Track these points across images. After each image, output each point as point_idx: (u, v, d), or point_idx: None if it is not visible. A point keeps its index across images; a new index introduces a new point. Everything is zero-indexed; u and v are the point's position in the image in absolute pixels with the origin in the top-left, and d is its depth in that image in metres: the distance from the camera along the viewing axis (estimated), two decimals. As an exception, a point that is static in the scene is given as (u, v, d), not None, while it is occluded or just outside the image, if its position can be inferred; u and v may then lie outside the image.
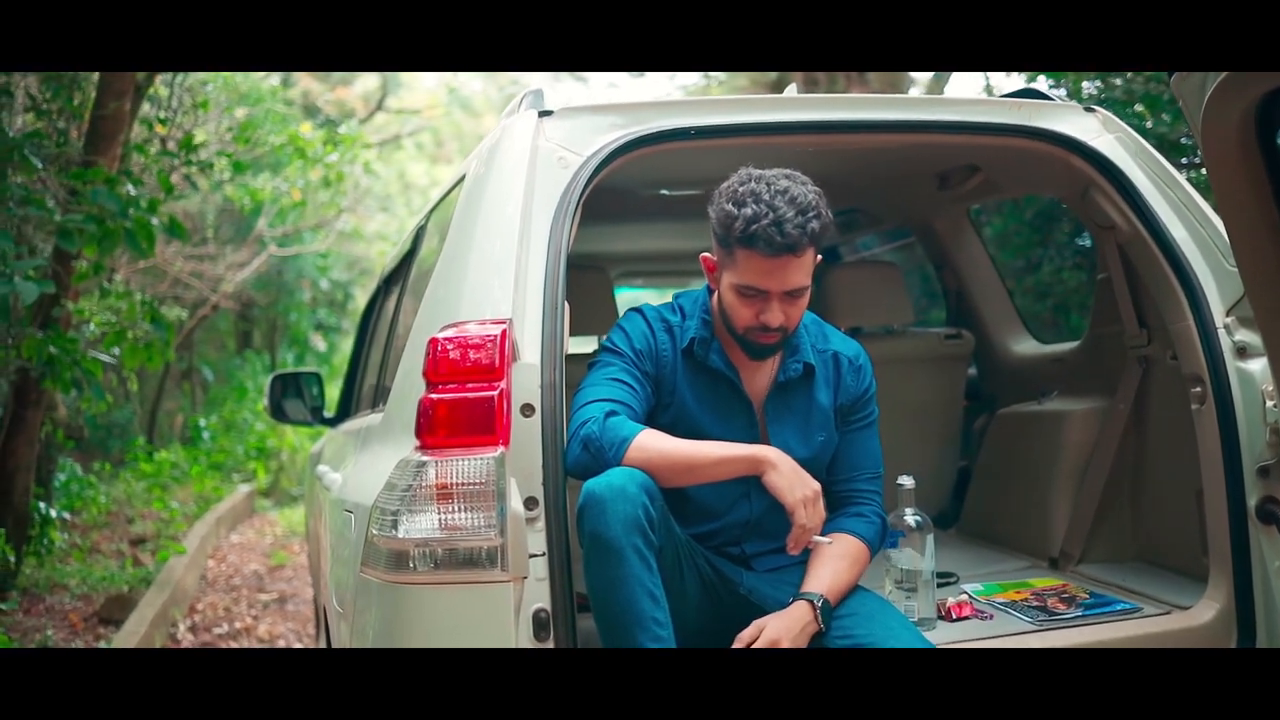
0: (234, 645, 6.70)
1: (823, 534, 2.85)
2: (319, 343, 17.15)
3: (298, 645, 6.79)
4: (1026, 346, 4.61)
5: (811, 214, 2.74)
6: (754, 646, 2.67)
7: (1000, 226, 7.64)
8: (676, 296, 3.11)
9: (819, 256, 2.86)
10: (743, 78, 14.12)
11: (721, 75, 15.04)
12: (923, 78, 12.96)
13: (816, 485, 2.70)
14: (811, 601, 2.75)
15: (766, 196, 2.73)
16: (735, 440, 2.86)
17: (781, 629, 2.70)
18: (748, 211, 2.72)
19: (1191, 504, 3.25)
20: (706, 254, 2.94)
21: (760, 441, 2.95)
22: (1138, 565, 3.67)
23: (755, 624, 2.73)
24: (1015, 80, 7.92)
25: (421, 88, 20.57)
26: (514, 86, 20.69)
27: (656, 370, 2.96)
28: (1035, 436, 4.08)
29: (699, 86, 16.04)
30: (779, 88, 13.13)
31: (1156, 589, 3.33)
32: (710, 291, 3.02)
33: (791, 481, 2.67)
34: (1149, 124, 6.27)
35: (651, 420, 2.90)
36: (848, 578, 2.85)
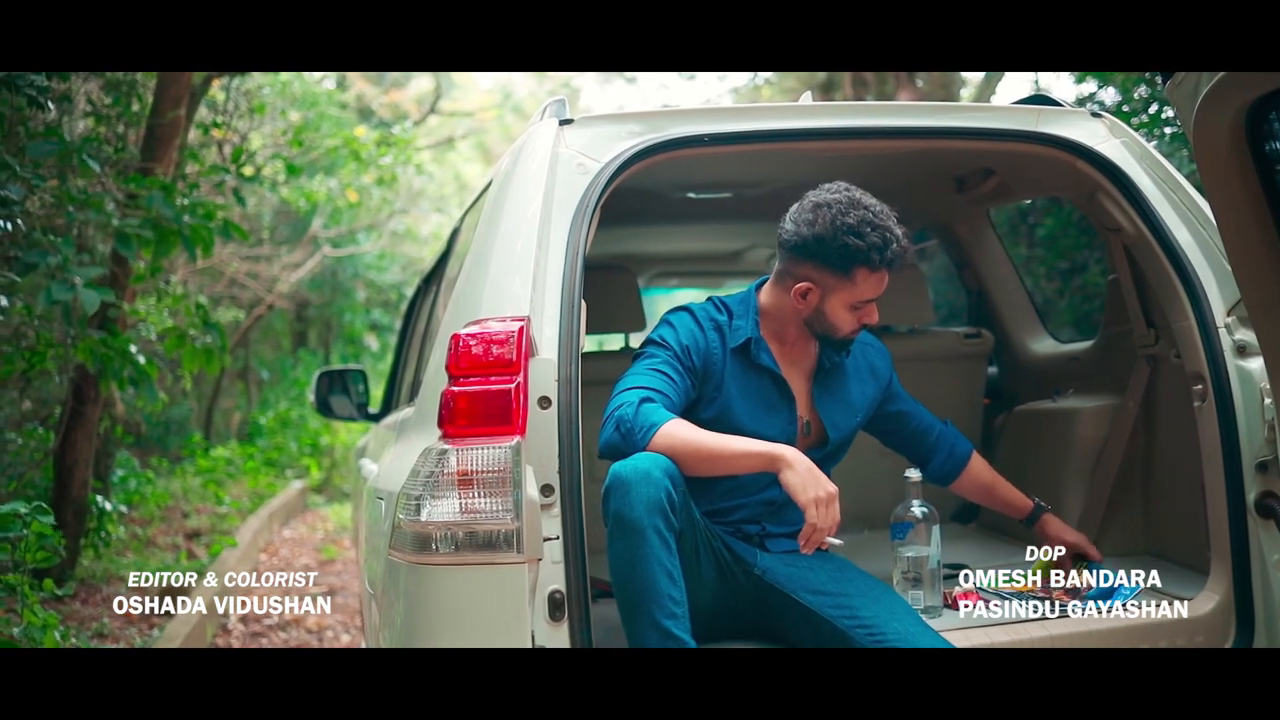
0: (284, 635, 6.85)
1: (959, 456, 3.42)
2: (373, 342, 17.34)
3: (345, 636, 6.93)
4: (1045, 345, 4.69)
5: (900, 223, 3.03)
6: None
7: (1050, 228, 7.67)
8: (719, 298, 3.26)
9: None
10: (792, 78, 14.16)
11: (771, 76, 15.10)
12: (974, 78, 12.94)
13: (833, 488, 2.82)
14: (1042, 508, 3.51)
15: (878, 221, 2.98)
16: (774, 434, 3.05)
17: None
18: (875, 238, 2.96)
19: (1198, 499, 3.32)
20: (805, 284, 3.09)
21: (805, 426, 3.22)
22: (1147, 558, 3.75)
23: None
24: (1065, 80, 7.97)
25: (476, 89, 20.76)
26: (565, 90, 20.84)
27: (704, 366, 3.11)
28: (1049, 433, 4.17)
29: (749, 87, 16.11)
30: (829, 87, 13.23)
31: (1163, 581, 3.41)
32: (755, 291, 3.22)
33: (806, 481, 2.81)
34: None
35: (694, 413, 3.05)
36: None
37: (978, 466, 3.54)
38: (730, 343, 3.14)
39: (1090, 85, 7.02)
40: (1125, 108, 6.36)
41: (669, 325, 3.14)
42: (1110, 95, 6.89)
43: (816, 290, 3.07)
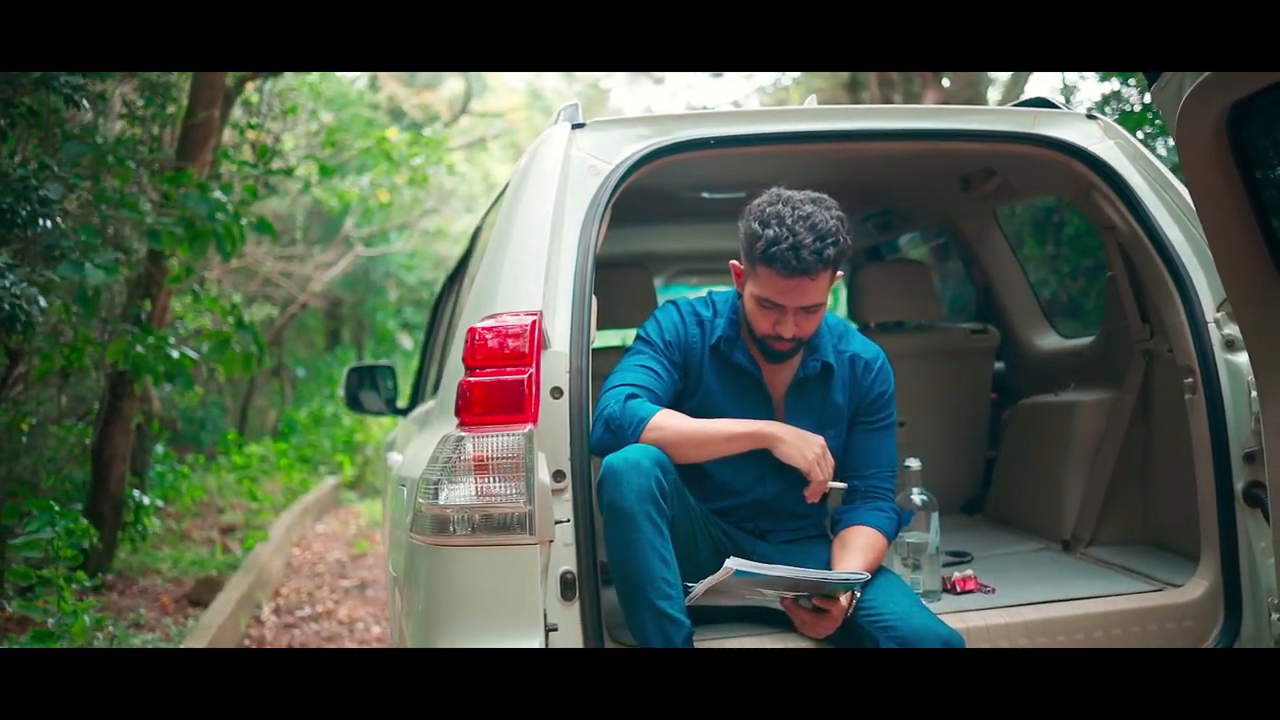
0: (315, 627, 6.97)
1: (847, 524, 3.17)
2: (405, 340, 17.50)
3: (375, 628, 7.02)
4: (1049, 341, 4.80)
5: (830, 240, 2.97)
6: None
7: (1075, 228, 7.71)
8: (711, 292, 3.35)
9: (838, 274, 3.08)
10: (818, 77, 14.23)
11: (798, 75, 15.16)
12: (1002, 78, 12.94)
13: (820, 439, 3.01)
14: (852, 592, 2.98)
15: (789, 220, 2.96)
16: None
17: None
18: (770, 233, 2.96)
19: (1193, 490, 3.40)
20: (735, 261, 3.20)
21: None
22: (1145, 547, 3.85)
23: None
24: (1091, 79, 7.99)
25: (507, 90, 20.90)
26: (593, 90, 20.98)
27: (685, 359, 3.22)
28: (1050, 426, 4.29)
29: (776, 87, 16.18)
30: (854, 87, 13.29)
31: (1158, 569, 3.52)
32: (738, 294, 3.27)
33: (800, 447, 2.99)
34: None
35: (678, 405, 3.16)
36: (873, 567, 3.09)
37: (853, 534, 3.18)
38: (708, 338, 3.24)
39: (1114, 84, 7.08)
40: (1149, 114, 6.42)
41: (655, 321, 3.27)
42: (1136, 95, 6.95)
43: (741, 273, 3.18)
